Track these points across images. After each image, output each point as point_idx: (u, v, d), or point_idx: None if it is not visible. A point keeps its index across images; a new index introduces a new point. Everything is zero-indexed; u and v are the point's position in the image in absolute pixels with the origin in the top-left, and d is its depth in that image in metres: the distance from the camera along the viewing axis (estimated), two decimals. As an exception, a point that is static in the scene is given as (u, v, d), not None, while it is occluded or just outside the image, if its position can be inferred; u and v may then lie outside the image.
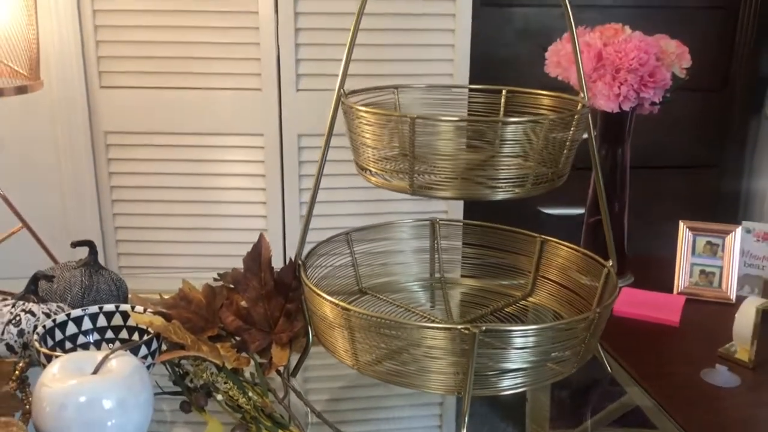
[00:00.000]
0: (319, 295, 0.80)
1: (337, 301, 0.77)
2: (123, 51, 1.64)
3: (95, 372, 0.73)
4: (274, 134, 1.71)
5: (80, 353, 0.76)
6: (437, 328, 0.73)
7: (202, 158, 1.72)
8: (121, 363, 0.74)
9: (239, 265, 0.99)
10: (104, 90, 1.67)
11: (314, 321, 0.85)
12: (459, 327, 0.71)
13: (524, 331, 0.74)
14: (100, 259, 1.77)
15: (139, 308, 0.91)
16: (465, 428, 0.73)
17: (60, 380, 0.71)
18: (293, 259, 0.89)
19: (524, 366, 0.76)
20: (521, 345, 0.74)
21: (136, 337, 0.91)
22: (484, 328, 0.70)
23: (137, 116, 1.68)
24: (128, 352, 0.77)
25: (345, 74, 0.81)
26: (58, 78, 1.63)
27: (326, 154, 0.85)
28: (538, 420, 1.02)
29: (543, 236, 0.99)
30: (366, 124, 0.77)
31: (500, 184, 0.76)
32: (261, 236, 0.93)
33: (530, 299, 0.99)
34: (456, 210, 1.78)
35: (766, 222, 1.43)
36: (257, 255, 0.92)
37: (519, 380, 0.76)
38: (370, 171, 0.79)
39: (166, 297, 0.95)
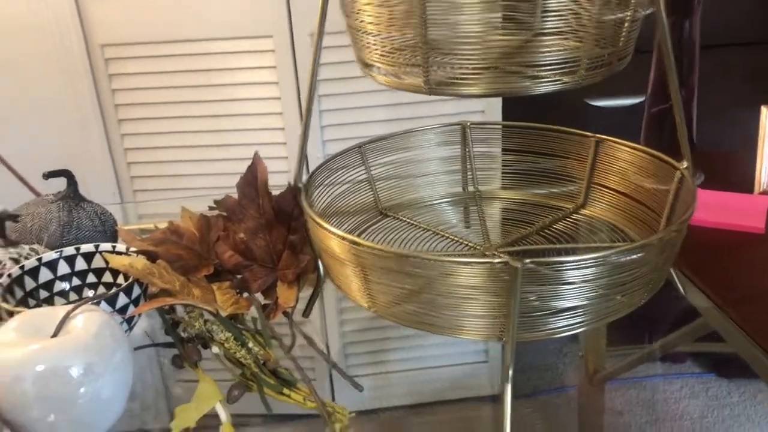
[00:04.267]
0: (322, 226, 0.65)
1: (343, 234, 0.63)
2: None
3: (56, 334, 0.61)
4: (284, 35, 1.53)
5: (37, 311, 0.64)
6: (467, 263, 0.58)
7: (208, 68, 1.55)
8: (88, 320, 0.61)
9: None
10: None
11: (322, 255, 0.71)
12: (496, 261, 0.55)
13: (580, 261, 0.58)
14: (114, 184, 1.67)
15: (122, 247, 0.78)
16: (510, 382, 0.60)
17: (14, 346, 0.59)
18: (291, 182, 0.74)
19: (581, 303, 0.60)
20: (577, 278, 0.59)
21: (122, 279, 0.78)
22: (528, 262, 0.55)
23: (133, 25, 1.51)
24: (96, 305, 0.64)
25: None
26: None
27: (320, 46, 0.68)
28: (593, 346, 0.89)
29: (598, 135, 0.81)
30: (366, 3, 0.59)
31: (544, 73, 0.59)
32: (255, 155, 0.78)
33: (583, 211, 0.82)
34: (493, 111, 1.59)
35: None
36: (253, 179, 0.78)
37: (575, 320, 0.61)
38: (377, 68, 0.62)
39: (156, 229, 0.82)
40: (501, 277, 0.56)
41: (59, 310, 0.62)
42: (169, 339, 0.73)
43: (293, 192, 0.73)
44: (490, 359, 1.24)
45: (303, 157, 0.72)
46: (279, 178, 1.53)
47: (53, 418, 0.58)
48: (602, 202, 0.81)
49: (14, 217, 0.79)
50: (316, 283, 0.75)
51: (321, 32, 0.67)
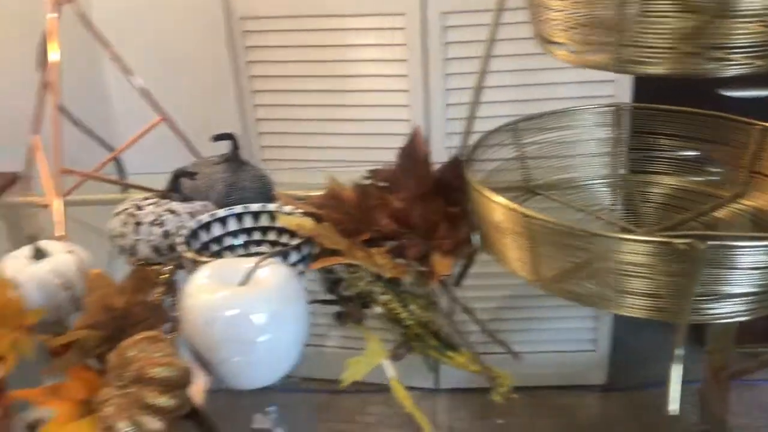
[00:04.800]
0: (490, 198, 0.67)
1: (515, 206, 0.64)
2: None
3: (244, 282, 0.66)
4: (415, 13, 1.54)
5: (227, 261, 0.69)
6: (648, 242, 0.58)
7: (340, 43, 1.60)
8: (273, 272, 0.66)
9: (381, 157, 0.88)
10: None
11: (483, 227, 0.73)
12: (679, 242, 0.56)
13: (760, 248, 0.57)
14: (245, 153, 1.75)
15: (285, 207, 0.83)
16: (680, 363, 0.60)
17: (206, 291, 0.64)
18: (456, 155, 0.76)
19: (752, 290, 0.60)
20: (752, 264, 0.58)
21: (285, 238, 0.83)
22: (711, 244, 0.55)
23: (272, -1, 1.57)
24: (279, 259, 0.69)
25: None
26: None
27: (498, 21, 0.69)
28: (719, 342, 0.88)
29: (763, 124, 0.79)
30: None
31: (733, 56, 0.58)
32: (416, 129, 0.81)
33: (743, 201, 0.81)
34: (623, 96, 1.56)
35: None
36: (412, 151, 0.80)
37: (744, 307, 0.61)
38: (561, 44, 0.63)
39: (312, 195, 0.86)
40: (680, 259, 0.57)
41: (246, 261, 0.68)
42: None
43: (456, 165, 0.75)
44: (599, 348, 1.24)
45: (469, 131, 0.74)
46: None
47: (237, 360, 0.63)
48: (764, 192, 0.79)
49: (191, 175, 0.85)
50: (469, 255, 0.77)
51: (501, 6, 0.69)
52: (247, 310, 0.62)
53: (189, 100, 1.64)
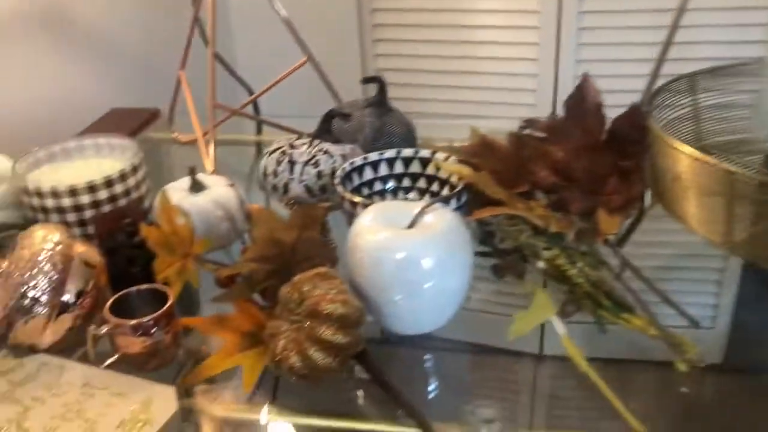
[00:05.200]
0: (681, 150, 0.62)
1: (716, 162, 0.59)
2: None
3: (411, 226, 0.64)
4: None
5: (392, 203, 0.67)
6: None
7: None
8: (439, 218, 0.64)
9: (507, 113, 0.84)
10: None
11: (662, 183, 0.68)
12: None
13: None
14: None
15: (438, 154, 0.80)
16: None
17: (375, 232, 0.62)
18: (636, 104, 0.71)
19: None
20: None
21: (435, 186, 0.81)
22: None
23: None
24: (445, 205, 0.67)
25: None
26: None
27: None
28: None
29: None
30: None
31: None
32: (585, 77, 0.76)
33: None
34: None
35: None
36: (581, 99, 0.76)
37: None
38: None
39: (461, 144, 0.83)
40: None
41: (411, 205, 0.65)
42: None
43: (634, 114, 0.70)
44: (717, 326, 1.16)
45: (655, 79, 0.69)
46: (525, 111, 1.52)
47: (400, 301, 0.62)
48: None
49: (345, 116, 0.83)
50: (638, 213, 0.73)
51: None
52: (418, 254, 0.60)
53: (313, 48, 1.63)
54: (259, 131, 1.17)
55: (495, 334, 0.68)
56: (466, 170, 0.74)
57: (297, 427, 0.59)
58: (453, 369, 0.67)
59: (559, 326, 0.62)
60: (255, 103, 1.09)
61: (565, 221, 0.72)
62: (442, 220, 0.63)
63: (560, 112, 0.79)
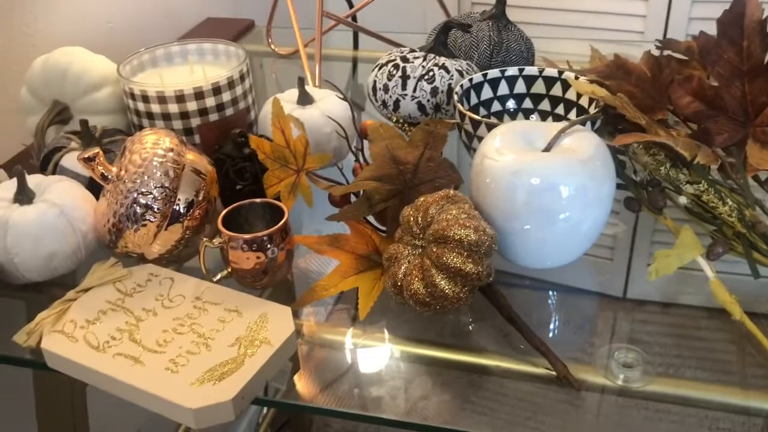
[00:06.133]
0: None
1: None
2: None
3: (547, 149, 0.58)
4: None
5: (525, 123, 0.61)
6: None
7: None
8: (580, 142, 0.57)
9: (613, 49, 0.75)
10: None
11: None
12: None
13: None
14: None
15: (567, 74, 0.73)
16: None
17: (506, 154, 0.57)
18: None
19: None
20: None
21: (560, 110, 0.74)
22: None
23: None
24: (586, 128, 0.60)
25: None
26: None
27: None
28: None
29: None
30: None
31: None
32: (744, -10, 0.66)
33: None
34: None
35: None
36: (738, 17, 0.66)
37: None
38: None
39: (575, 67, 0.75)
40: None
41: (548, 126, 0.59)
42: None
43: (808, 35, 0.61)
44: None
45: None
46: (631, 36, 1.40)
47: (530, 232, 0.56)
48: None
49: (466, 27, 0.76)
50: (796, 148, 0.64)
51: None
52: (556, 180, 0.54)
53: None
54: (355, 46, 1.11)
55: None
56: (601, 91, 0.67)
57: (412, 356, 0.56)
58: (570, 310, 0.62)
59: (706, 268, 0.56)
60: (353, 17, 1.03)
61: (712, 154, 0.65)
62: (585, 144, 0.57)
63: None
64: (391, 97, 0.75)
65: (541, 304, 0.63)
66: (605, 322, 0.60)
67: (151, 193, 0.57)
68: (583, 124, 0.64)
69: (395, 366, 0.55)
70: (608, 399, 0.51)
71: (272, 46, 1.01)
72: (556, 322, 0.60)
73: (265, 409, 1.48)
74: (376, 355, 0.56)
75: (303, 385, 0.54)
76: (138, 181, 0.57)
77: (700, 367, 0.54)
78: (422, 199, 0.54)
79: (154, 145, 0.59)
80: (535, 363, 0.53)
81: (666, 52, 0.76)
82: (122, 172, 0.59)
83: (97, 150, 0.60)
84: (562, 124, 0.58)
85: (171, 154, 0.59)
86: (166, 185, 0.57)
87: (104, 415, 0.81)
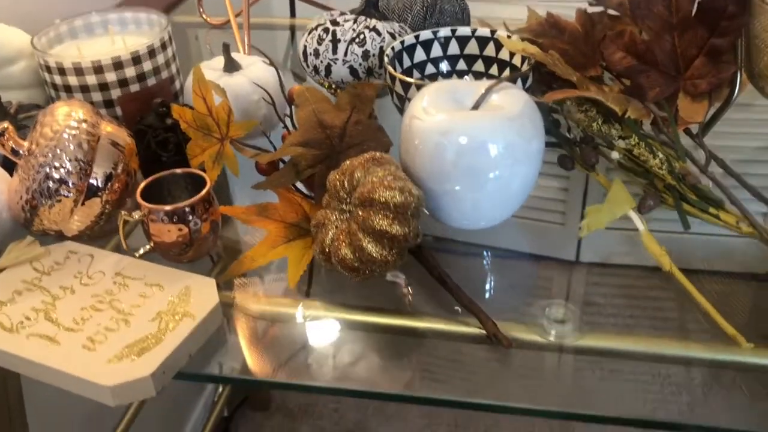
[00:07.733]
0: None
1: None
2: None
3: (475, 107, 0.56)
4: None
5: (453, 82, 0.60)
6: None
7: None
8: (508, 99, 0.56)
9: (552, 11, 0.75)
10: None
11: (760, 63, 0.60)
12: None
13: None
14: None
15: (499, 32, 0.72)
16: None
17: (434, 114, 0.55)
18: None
19: None
20: None
21: (494, 70, 0.73)
22: None
23: None
24: (515, 85, 0.59)
25: None
26: None
27: None
28: None
29: None
30: None
31: None
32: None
33: None
34: None
35: None
36: (667, -32, 0.66)
37: None
38: None
39: (512, 29, 0.74)
40: None
41: (475, 84, 0.58)
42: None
43: (733, -15, 0.61)
44: None
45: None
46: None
47: (461, 192, 0.55)
48: None
49: (395, -12, 0.74)
50: (726, 99, 0.65)
51: None
52: (484, 138, 0.53)
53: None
54: (292, 14, 1.08)
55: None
56: (533, 48, 0.66)
57: (343, 322, 0.54)
58: (506, 272, 0.62)
59: (638, 222, 0.56)
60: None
61: (642, 109, 0.64)
62: (513, 101, 0.56)
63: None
64: (322, 62, 0.73)
65: (480, 268, 0.62)
66: (544, 282, 0.60)
67: (64, 167, 0.54)
68: (514, 81, 0.63)
69: (327, 333, 0.54)
70: (540, 355, 0.51)
71: (204, 16, 0.97)
72: (493, 284, 0.60)
73: (220, 388, 1.46)
74: (313, 325, 0.55)
75: (247, 359, 0.52)
76: (50, 154, 0.55)
77: (632, 323, 0.53)
78: (348, 162, 0.53)
79: (66, 117, 0.56)
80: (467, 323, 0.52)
81: (600, 9, 0.76)
82: (33, 146, 0.56)
83: (6, 124, 0.57)
84: (491, 81, 0.57)
85: (84, 125, 0.56)
86: (80, 158, 0.55)
87: (47, 401, 0.78)
